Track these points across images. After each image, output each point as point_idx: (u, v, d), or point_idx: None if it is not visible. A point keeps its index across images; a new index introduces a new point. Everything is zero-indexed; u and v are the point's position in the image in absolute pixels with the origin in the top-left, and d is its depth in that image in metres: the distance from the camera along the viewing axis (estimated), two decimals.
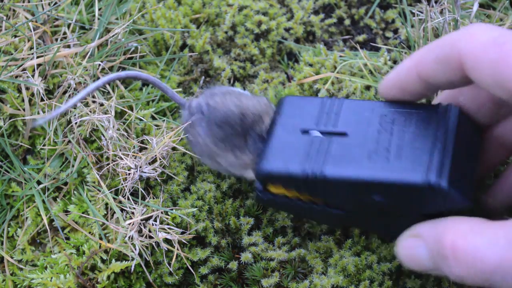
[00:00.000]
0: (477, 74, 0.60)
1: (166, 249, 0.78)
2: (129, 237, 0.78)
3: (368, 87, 0.89)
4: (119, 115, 0.87)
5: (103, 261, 0.80)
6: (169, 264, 0.78)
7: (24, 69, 0.87)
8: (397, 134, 0.68)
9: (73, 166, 0.84)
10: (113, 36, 0.89)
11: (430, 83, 0.66)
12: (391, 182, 0.65)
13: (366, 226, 0.77)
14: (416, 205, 0.65)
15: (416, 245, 0.64)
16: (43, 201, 0.83)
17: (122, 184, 0.81)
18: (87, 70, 0.87)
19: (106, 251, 0.80)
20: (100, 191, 0.82)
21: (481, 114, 0.71)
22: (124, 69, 0.92)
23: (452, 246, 0.57)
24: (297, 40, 0.98)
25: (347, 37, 0.99)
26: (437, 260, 0.60)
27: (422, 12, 0.91)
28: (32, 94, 0.86)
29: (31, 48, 0.89)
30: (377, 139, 0.68)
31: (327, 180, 0.67)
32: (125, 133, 0.84)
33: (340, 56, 0.93)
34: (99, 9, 0.93)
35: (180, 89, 0.92)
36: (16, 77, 0.86)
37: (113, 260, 0.79)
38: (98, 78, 0.88)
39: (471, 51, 0.60)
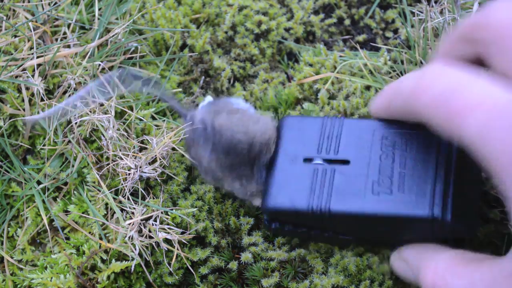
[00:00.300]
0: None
1: (166, 249, 0.78)
2: (129, 237, 0.78)
3: (368, 87, 0.89)
4: (119, 115, 0.87)
5: (103, 261, 0.80)
6: (169, 264, 0.78)
7: (24, 69, 0.87)
8: (399, 161, 0.69)
9: (73, 166, 0.84)
10: (113, 36, 0.89)
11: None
12: (395, 216, 0.66)
13: (376, 245, 0.78)
14: (422, 234, 0.66)
15: (405, 268, 0.67)
16: (43, 201, 0.83)
17: (122, 184, 0.81)
18: (87, 70, 0.87)
19: (106, 251, 0.80)
20: (100, 191, 0.82)
21: None
22: (124, 69, 0.91)
23: (433, 285, 0.59)
24: (297, 40, 0.98)
25: (347, 37, 0.99)
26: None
27: (422, 12, 0.91)
28: (32, 94, 0.86)
29: (31, 48, 0.89)
30: (379, 167, 0.69)
31: (333, 215, 0.68)
32: (125, 133, 0.84)
33: (340, 56, 0.93)
34: (99, 9, 0.93)
35: (180, 89, 0.92)
36: (16, 77, 0.86)
37: (113, 260, 0.79)
38: (98, 78, 0.88)
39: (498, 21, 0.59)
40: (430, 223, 0.64)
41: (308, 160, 0.72)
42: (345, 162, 0.71)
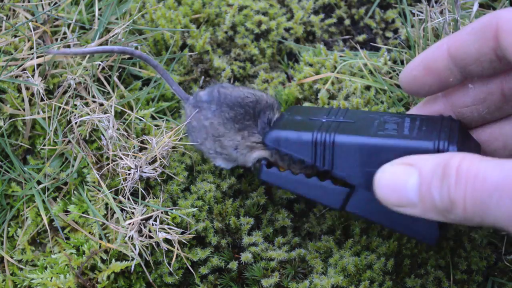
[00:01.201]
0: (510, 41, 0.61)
1: (166, 249, 0.78)
2: (129, 237, 0.78)
3: (368, 87, 0.89)
4: (119, 115, 0.87)
5: (103, 261, 0.80)
6: (169, 264, 0.78)
7: (24, 69, 0.87)
8: (402, 124, 0.70)
9: (73, 166, 0.84)
10: (113, 36, 0.89)
11: (458, 59, 0.67)
12: (402, 148, 0.65)
13: (368, 212, 0.74)
14: None
15: (406, 172, 0.60)
16: (43, 201, 0.83)
17: (122, 184, 0.81)
18: (87, 70, 0.87)
19: (106, 251, 0.80)
20: (100, 191, 0.82)
21: (487, 107, 0.71)
22: (124, 69, 0.92)
23: (458, 166, 0.56)
24: (297, 40, 0.98)
25: (347, 37, 0.99)
26: (430, 186, 0.58)
27: (422, 12, 0.91)
28: (32, 94, 0.86)
29: (31, 48, 0.89)
30: (384, 125, 0.70)
31: (337, 145, 0.69)
32: (125, 133, 0.84)
33: (340, 56, 0.93)
34: (99, 9, 0.93)
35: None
36: (16, 77, 0.86)
37: (113, 260, 0.79)
38: (98, 78, 0.88)
39: (509, 18, 0.61)
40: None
41: (315, 120, 0.74)
42: (351, 122, 0.72)
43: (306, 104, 0.89)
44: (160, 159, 0.81)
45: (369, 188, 0.69)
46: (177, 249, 0.78)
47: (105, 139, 0.82)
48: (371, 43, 0.97)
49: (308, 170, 0.73)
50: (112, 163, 0.82)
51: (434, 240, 0.70)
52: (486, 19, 0.64)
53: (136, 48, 0.92)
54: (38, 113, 0.85)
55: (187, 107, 0.81)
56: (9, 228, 0.84)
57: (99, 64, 0.88)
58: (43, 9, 0.92)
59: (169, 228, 0.78)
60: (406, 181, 0.60)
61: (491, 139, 0.73)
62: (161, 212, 0.79)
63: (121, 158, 0.81)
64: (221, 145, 0.78)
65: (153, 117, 0.89)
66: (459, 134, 0.67)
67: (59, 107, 0.85)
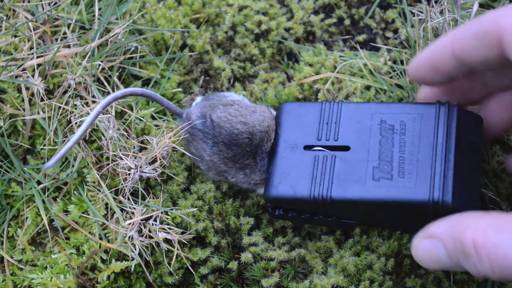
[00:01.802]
0: None
1: (166, 249, 0.78)
2: (129, 237, 0.78)
3: (368, 87, 0.89)
4: (119, 115, 0.87)
5: (103, 261, 0.80)
6: (169, 264, 0.78)
7: (24, 69, 0.87)
8: (398, 145, 0.69)
9: (73, 166, 0.84)
10: (113, 36, 0.89)
11: (463, 62, 0.66)
12: (396, 201, 0.66)
13: (380, 227, 0.79)
14: (425, 217, 0.66)
15: (433, 245, 0.63)
16: (43, 201, 0.83)
17: (122, 184, 0.81)
18: (87, 70, 0.87)
19: (106, 251, 0.80)
20: (100, 191, 0.82)
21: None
22: (124, 69, 0.91)
23: (474, 244, 0.57)
24: (297, 40, 0.98)
25: (347, 37, 0.99)
26: (459, 258, 0.60)
27: (422, 12, 0.91)
28: (32, 94, 0.86)
29: (31, 48, 0.89)
30: (379, 152, 0.69)
31: (335, 202, 0.69)
32: (125, 133, 0.84)
33: (340, 56, 0.93)
34: (99, 9, 0.93)
35: (180, 89, 0.92)
36: (16, 77, 0.86)
37: (113, 260, 0.79)
38: (98, 78, 0.88)
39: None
40: (431, 206, 0.65)
41: (308, 147, 0.73)
42: (345, 148, 0.71)
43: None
44: (160, 159, 0.81)
45: (376, 219, 0.73)
46: (177, 249, 0.78)
47: (105, 139, 0.82)
48: (371, 43, 0.97)
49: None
50: (112, 163, 0.82)
51: None
52: (488, 25, 0.63)
53: (136, 48, 0.91)
54: (38, 113, 0.85)
55: (181, 127, 0.79)
56: (9, 228, 0.84)
57: (99, 64, 0.88)
58: (43, 9, 0.92)
59: (169, 228, 0.78)
60: (438, 255, 0.63)
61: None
62: (161, 212, 0.79)
63: (121, 158, 0.81)
64: (226, 178, 0.79)
65: (153, 117, 0.89)
66: (456, 153, 0.67)
67: (59, 107, 0.85)
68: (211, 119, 0.77)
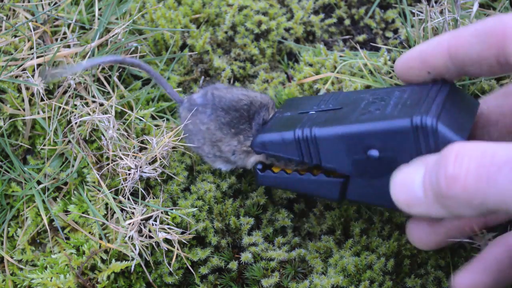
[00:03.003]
0: None
1: (166, 249, 0.78)
2: (129, 237, 0.78)
3: (368, 87, 0.89)
4: (119, 115, 0.87)
5: (103, 261, 0.80)
6: (169, 264, 0.78)
7: (24, 69, 0.87)
8: (389, 100, 0.69)
9: (73, 166, 0.84)
10: (113, 36, 0.89)
11: (457, 58, 0.66)
12: (379, 131, 0.64)
13: (367, 199, 0.74)
14: (412, 153, 0.64)
15: (416, 169, 0.60)
16: (43, 201, 0.83)
17: (122, 184, 0.81)
18: (87, 70, 0.87)
19: (106, 251, 0.80)
20: (100, 191, 0.82)
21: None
22: (124, 69, 0.92)
23: (459, 148, 0.54)
24: (297, 40, 0.98)
25: (347, 37, 0.99)
26: (430, 175, 0.56)
27: (422, 12, 0.91)
28: (32, 94, 0.86)
29: (31, 48, 0.89)
30: (369, 106, 0.69)
31: (318, 139, 0.68)
32: (125, 133, 0.84)
33: (340, 56, 0.93)
34: (99, 9, 0.93)
35: (180, 89, 0.92)
36: (16, 77, 0.86)
37: (113, 260, 0.79)
38: (98, 78, 0.88)
39: None
40: (415, 133, 0.62)
41: (303, 113, 0.74)
42: (337, 109, 0.72)
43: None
44: (160, 159, 0.81)
45: (361, 175, 0.69)
46: (177, 249, 0.78)
47: (105, 139, 0.82)
48: (371, 43, 0.97)
49: (303, 166, 0.73)
50: (112, 163, 0.82)
51: None
52: (491, 24, 0.63)
53: (136, 48, 0.92)
54: (38, 113, 0.85)
55: (182, 110, 0.80)
56: (9, 228, 0.84)
57: (99, 64, 0.88)
58: (43, 9, 0.92)
59: (169, 228, 0.78)
60: (415, 176, 0.59)
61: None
62: (161, 212, 0.79)
63: (121, 158, 0.81)
64: (219, 149, 0.78)
65: (153, 117, 0.89)
66: (444, 102, 0.65)
67: (59, 107, 0.85)
68: (212, 94, 0.79)
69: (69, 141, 0.85)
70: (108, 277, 0.79)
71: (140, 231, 0.79)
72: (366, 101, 0.71)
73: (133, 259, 0.78)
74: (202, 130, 0.78)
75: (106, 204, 0.82)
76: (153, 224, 0.78)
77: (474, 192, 0.53)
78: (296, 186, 0.75)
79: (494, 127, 0.71)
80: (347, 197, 0.72)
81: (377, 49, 0.96)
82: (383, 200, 0.69)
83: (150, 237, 0.78)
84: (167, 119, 0.89)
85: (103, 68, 0.89)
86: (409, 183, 0.60)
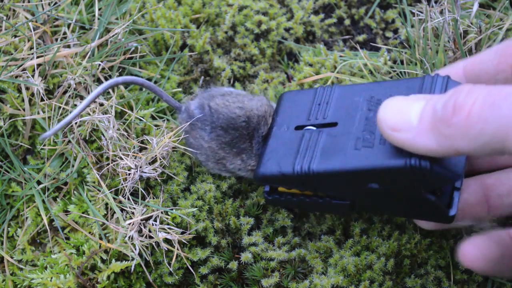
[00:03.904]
0: None
1: (166, 249, 0.78)
2: (129, 237, 0.78)
3: None
4: (119, 115, 0.87)
5: (103, 261, 0.80)
6: (169, 264, 0.78)
7: (24, 69, 0.87)
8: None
9: (73, 166, 0.84)
10: (113, 36, 0.89)
11: (473, 76, 0.66)
12: (375, 169, 0.64)
13: (375, 211, 0.77)
14: (411, 186, 0.65)
15: (416, 99, 0.60)
16: (43, 201, 0.83)
17: (122, 184, 0.81)
18: (87, 70, 0.87)
19: (106, 251, 0.80)
20: (100, 191, 0.82)
21: None
22: (124, 69, 0.91)
23: (471, 86, 0.54)
24: (297, 40, 0.98)
25: (347, 37, 0.99)
26: (433, 105, 0.56)
27: (422, 12, 0.91)
28: (32, 94, 0.86)
29: (31, 48, 0.89)
30: (365, 125, 0.68)
31: (317, 174, 0.68)
32: (125, 133, 0.84)
33: (340, 56, 0.93)
34: (99, 9, 0.93)
35: (180, 89, 0.92)
36: (16, 77, 0.86)
37: (113, 260, 0.79)
38: (98, 78, 0.88)
39: None
40: (411, 172, 0.62)
41: (299, 127, 0.73)
42: (333, 124, 0.71)
43: None
44: (160, 159, 0.81)
45: (366, 198, 0.70)
46: (177, 249, 0.78)
47: (105, 139, 0.82)
48: (371, 43, 0.97)
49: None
50: (112, 163, 0.82)
51: (448, 218, 0.69)
52: (507, 41, 0.64)
53: (136, 48, 0.91)
54: (38, 113, 0.85)
55: (181, 121, 0.80)
56: (9, 228, 0.84)
57: (99, 64, 0.88)
58: (43, 9, 0.92)
59: (169, 228, 0.78)
60: (413, 105, 0.59)
61: (496, 183, 0.73)
62: (161, 212, 0.79)
63: (121, 158, 0.81)
64: (224, 166, 0.79)
65: (153, 117, 0.89)
66: None
67: (59, 107, 0.85)
68: (209, 107, 0.78)
69: (69, 141, 0.85)
70: (108, 277, 0.79)
71: (140, 231, 0.79)
72: (360, 111, 0.70)
73: (133, 259, 0.78)
74: (204, 147, 0.78)
75: (106, 204, 0.82)
76: (153, 224, 0.78)
77: (476, 119, 0.53)
78: (304, 207, 0.78)
79: None
80: (355, 210, 0.74)
81: (377, 49, 0.96)
82: (389, 213, 0.74)
83: (150, 237, 0.78)
84: (167, 119, 0.89)
85: (103, 68, 0.89)
86: (405, 110, 0.59)
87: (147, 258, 0.78)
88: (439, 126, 0.56)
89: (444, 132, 0.55)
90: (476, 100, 0.53)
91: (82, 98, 0.87)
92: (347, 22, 0.99)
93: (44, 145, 0.85)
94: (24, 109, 0.86)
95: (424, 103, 0.58)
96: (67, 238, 0.83)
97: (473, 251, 0.64)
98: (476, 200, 0.72)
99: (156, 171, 0.81)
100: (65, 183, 0.84)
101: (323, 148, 0.69)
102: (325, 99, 0.74)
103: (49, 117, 0.85)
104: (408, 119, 0.58)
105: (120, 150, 0.82)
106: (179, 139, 0.81)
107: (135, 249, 0.77)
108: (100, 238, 0.80)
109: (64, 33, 0.91)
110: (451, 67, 0.70)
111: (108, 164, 0.82)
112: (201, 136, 0.78)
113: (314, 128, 0.72)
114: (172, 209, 0.80)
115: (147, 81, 0.83)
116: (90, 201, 0.82)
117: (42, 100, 0.86)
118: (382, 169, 0.64)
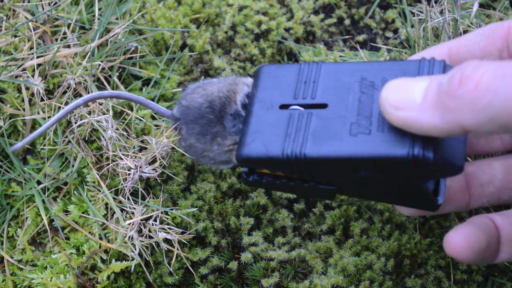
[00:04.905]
0: None
1: (166, 249, 0.78)
2: (129, 237, 0.78)
3: None
4: (119, 115, 0.87)
5: (103, 261, 0.80)
6: (169, 264, 0.78)
7: (24, 69, 0.87)
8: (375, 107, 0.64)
9: (73, 166, 0.84)
10: (113, 36, 0.89)
11: (458, 59, 0.65)
12: (374, 157, 0.61)
13: (361, 196, 0.73)
14: (406, 176, 0.62)
15: (420, 79, 0.58)
16: (43, 201, 0.83)
17: (122, 184, 0.81)
18: (87, 70, 0.87)
19: (106, 251, 0.80)
20: (100, 191, 0.82)
21: None
22: (124, 69, 0.92)
23: (478, 61, 0.52)
24: (297, 40, 0.98)
25: (347, 37, 0.99)
26: (439, 81, 0.54)
27: (422, 12, 0.91)
28: (32, 94, 0.86)
29: (31, 48, 0.89)
30: (358, 108, 0.64)
31: (309, 160, 0.63)
32: (125, 133, 0.84)
33: (340, 56, 0.93)
34: (99, 9, 0.93)
35: (180, 89, 0.92)
36: (16, 77, 0.86)
37: (113, 260, 0.79)
38: (98, 78, 0.88)
39: None
40: (412, 163, 0.59)
41: (284, 106, 0.68)
42: (323, 106, 0.66)
43: None
44: (160, 159, 0.81)
45: (355, 183, 0.66)
46: (177, 249, 0.78)
47: (105, 139, 0.82)
48: (371, 43, 0.97)
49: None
50: (112, 163, 0.82)
51: (434, 207, 0.66)
52: (495, 23, 0.63)
53: (136, 48, 0.91)
54: (38, 113, 0.85)
55: (171, 126, 0.79)
56: (9, 228, 0.84)
57: (99, 64, 0.88)
58: (43, 9, 0.92)
59: (169, 228, 0.78)
60: (417, 84, 0.57)
61: (478, 172, 0.71)
62: (161, 212, 0.79)
63: (121, 158, 0.81)
64: (209, 158, 0.77)
65: (153, 117, 0.89)
66: None
67: (59, 107, 0.85)
68: (182, 106, 0.77)
69: (69, 141, 0.85)
70: (108, 277, 0.79)
71: (140, 231, 0.79)
72: (353, 94, 0.65)
73: (133, 259, 0.78)
74: (189, 145, 0.77)
75: (106, 204, 0.82)
76: (153, 224, 0.78)
77: (484, 91, 0.51)
78: (286, 190, 0.72)
79: None
80: (340, 193, 0.70)
81: (377, 49, 0.96)
82: (376, 199, 0.69)
83: (150, 237, 0.78)
84: (167, 120, 0.89)
85: (103, 68, 0.89)
86: (409, 88, 0.57)
87: (147, 258, 0.78)
88: (444, 99, 0.54)
89: (449, 105, 0.53)
90: (485, 72, 0.51)
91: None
92: (347, 22, 0.99)
93: (44, 145, 0.85)
94: (24, 109, 0.86)
95: (429, 81, 0.56)
96: (67, 238, 0.83)
97: (459, 240, 0.62)
98: (458, 187, 0.70)
99: (156, 171, 0.81)
100: (65, 183, 0.84)
101: (314, 131, 0.64)
102: (311, 77, 0.68)
103: (49, 117, 0.85)
104: (412, 97, 0.56)
105: (120, 150, 0.82)
106: (178, 139, 0.81)
107: (135, 249, 0.77)
108: (100, 238, 0.80)
109: (64, 33, 0.91)
110: (436, 49, 0.67)
111: (108, 164, 0.82)
112: (184, 137, 0.77)
113: (302, 109, 0.67)
114: (172, 209, 0.80)
115: (134, 95, 0.82)
116: (90, 201, 0.82)
117: (42, 100, 0.86)
118: (381, 158, 0.60)
